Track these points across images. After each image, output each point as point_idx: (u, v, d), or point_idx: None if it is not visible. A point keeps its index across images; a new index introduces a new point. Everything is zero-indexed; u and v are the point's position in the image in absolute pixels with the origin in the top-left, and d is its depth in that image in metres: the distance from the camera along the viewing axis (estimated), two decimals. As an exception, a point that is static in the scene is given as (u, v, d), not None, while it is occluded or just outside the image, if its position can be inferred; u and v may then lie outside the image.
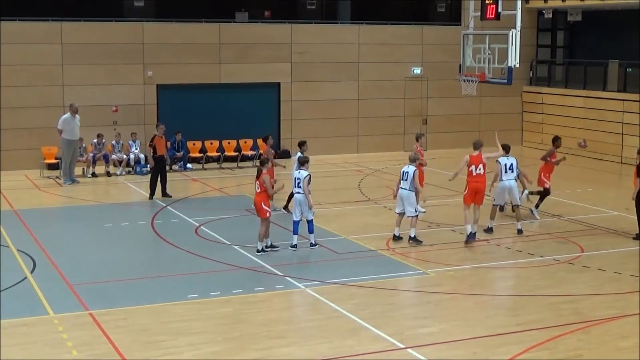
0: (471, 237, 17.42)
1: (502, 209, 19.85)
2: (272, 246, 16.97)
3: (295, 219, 17.18)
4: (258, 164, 17.10)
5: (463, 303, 13.88)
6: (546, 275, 15.54)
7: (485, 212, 18.57)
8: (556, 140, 20.71)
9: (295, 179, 17.24)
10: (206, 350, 11.65)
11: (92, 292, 14.25)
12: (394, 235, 17.71)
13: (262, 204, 16.61)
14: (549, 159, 20.35)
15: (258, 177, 16.65)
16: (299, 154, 18.69)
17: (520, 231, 18.55)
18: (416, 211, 17.56)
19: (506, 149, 18.91)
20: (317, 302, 13.87)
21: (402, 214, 17.62)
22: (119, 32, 28.25)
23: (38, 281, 14.76)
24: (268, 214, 16.72)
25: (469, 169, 17.73)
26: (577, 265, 16.18)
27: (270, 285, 14.75)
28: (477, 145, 17.95)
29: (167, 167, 26.83)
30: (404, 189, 17.39)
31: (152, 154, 22.58)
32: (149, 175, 23.01)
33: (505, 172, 18.63)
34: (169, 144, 27.40)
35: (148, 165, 26.65)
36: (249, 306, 13.59)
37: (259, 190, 16.67)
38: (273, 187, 17.10)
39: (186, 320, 12.88)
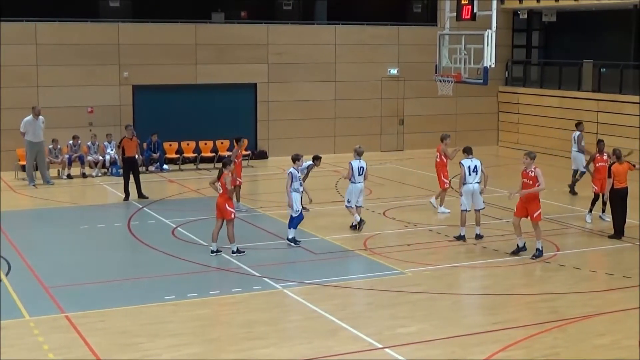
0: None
1: None
2: (238, 251, 16.74)
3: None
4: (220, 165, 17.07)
5: (441, 303, 13.93)
6: (523, 274, 15.64)
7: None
8: (599, 144, 20.26)
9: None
10: (185, 352, 11.62)
11: (68, 294, 14.17)
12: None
13: (226, 205, 16.58)
14: (592, 164, 20.04)
15: (219, 177, 16.62)
16: (309, 162, 19.54)
17: (478, 236, 17.97)
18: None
19: (468, 152, 18.14)
20: (296, 302, 13.87)
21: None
22: (95, 33, 28.11)
23: (13, 284, 14.64)
24: (232, 215, 16.67)
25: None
26: (553, 264, 16.29)
27: (248, 286, 14.73)
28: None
29: (144, 169, 26.95)
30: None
31: (121, 155, 22.63)
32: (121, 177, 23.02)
33: (469, 174, 17.84)
34: (145, 144, 27.37)
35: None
36: (227, 307, 13.57)
37: (220, 192, 16.64)
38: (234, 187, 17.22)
39: (164, 322, 12.83)
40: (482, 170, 18.02)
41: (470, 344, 11.93)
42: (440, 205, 20.71)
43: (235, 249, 16.70)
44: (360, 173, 18.55)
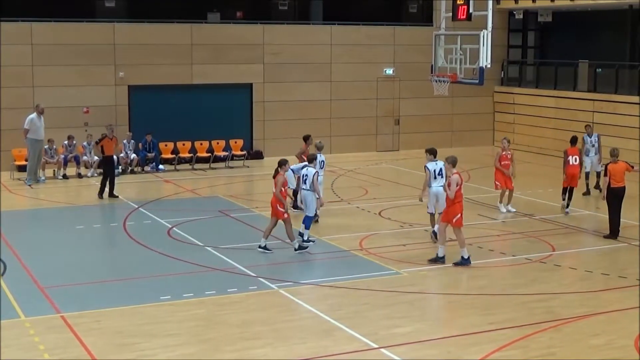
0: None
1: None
2: (300, 247, 16.82)
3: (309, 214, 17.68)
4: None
5: (436, 303, 13.95)
6: (518, 274, 15.65)
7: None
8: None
9: (302, 175, 17.79)
10: (180, 352, 11.61)
11: (64, 294, 14.15)
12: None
13: (277, 205, 16.62)
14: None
15: (274, 177, 16.68)
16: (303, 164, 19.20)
17: (435, 234, 17.66)
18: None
19: (434, 154, 17.76)
20: (291, 302, 13.87)
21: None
22: (90, 33, 28.08)
23: (9, 284, 14.61)
24: (285, 215, 16.65)
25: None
26: (548, 264, 16.30)
27: (244, 286, 14.72)
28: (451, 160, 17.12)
29: (140, 169, 26.96)
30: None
31: (100, 154, 22.90)
32: (120, 177, 22.99)
33: (435, 178, 17.47)
34: (140, 145, 27.36)
35: (119, 167, 26.60)
36: (222, 307, 13.56)
37: (274, 190, 16.72)
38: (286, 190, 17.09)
39: (160, 322, 12.82)
40: (445, 174, 17.42)
41: (466, 344, 11.93)
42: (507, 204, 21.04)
43: (297, 247, 16.74)
44: (322, 167, 19.09)
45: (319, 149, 19.54)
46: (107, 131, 23.08)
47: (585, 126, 24.39)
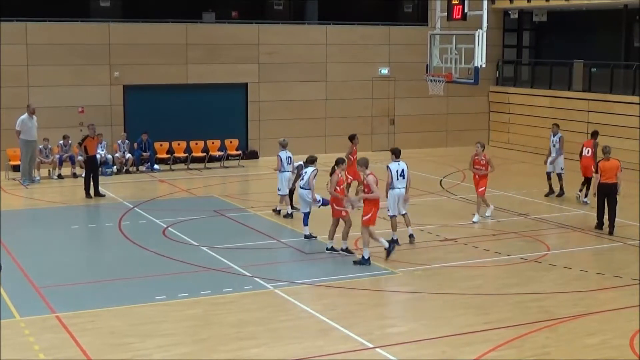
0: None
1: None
2: (347, 250, 16.72)
3: (305, 211, 17.98)
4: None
5: (431, 302, 13.95)
6: (513, 274, 15.66)
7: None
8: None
9: (302, 174, 18.31)
10: (175, 352, 11.61)
11: (59, 294, 14.14)
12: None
13: (335, 204, 16.60)
14: None
15: (331, 175, 16.70)
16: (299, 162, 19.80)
17: (412, 236, 17.67)
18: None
19: (396, 154, 17.55)
20: (287, 302, 13.87)
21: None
22: (85, 33, 28.04)
23: (4, 284, 14.56)
24: (344, 213, 16.61)
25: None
26: (543, 263, 16.32)
27: (239, 286, 14.71)
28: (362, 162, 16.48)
29: (134, 168, 26.94)
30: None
31: (84, 153, 22.92)
32: (115, 176, 22.95)
33: (397, 179, 17.25)
34: (135, 144, 27.34)
35: (114, 167, 26.58)
36: (218, 307, 13.55)
37: (329, 189, 16.78)
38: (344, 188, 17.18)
39: (155, 322, 12.82)
40: (408, 175, 17.45)
41: (461, 343, 11.94)
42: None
43: (344, 247, 16.67)
44: (289, 162, 20.06)
45: (283, 145, 20.28)
46: (90, 131, 23.15)
47: (552, 124, 23.54)
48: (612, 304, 13.79)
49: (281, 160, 20.17)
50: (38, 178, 25.13)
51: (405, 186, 17.36)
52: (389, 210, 17.40)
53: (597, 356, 11.53)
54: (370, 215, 15.80)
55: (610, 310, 13.46)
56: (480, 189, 19.72)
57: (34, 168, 25.13)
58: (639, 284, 14.73)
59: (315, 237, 17.80)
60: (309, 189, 17.84)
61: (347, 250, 16.67)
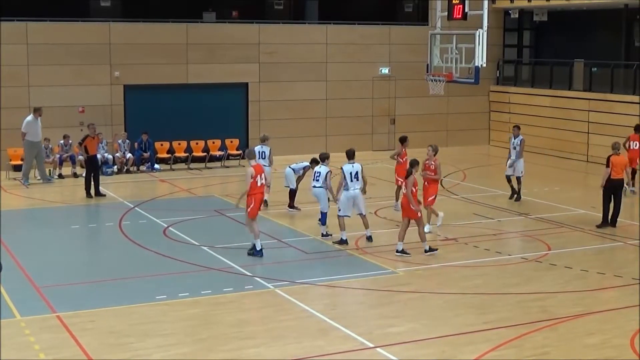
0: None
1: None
2: (403, 252, 16.62)
3: (324, 210, 18.22)
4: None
5: (432, 302, 13.95)
6: (514, 274, 15.66)
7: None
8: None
9: (315, 173, 18.36)
10: (175, 351, 11.61)
11: (59, 294, 14.14)
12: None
13: (410, 206, 16.49)
14: None
15: (406, 177, 16.65)
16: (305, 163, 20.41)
17: (369, 238, 17.67)
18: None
19: (350, 156, 17.53)
20: (287, 302, 13.87)
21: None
22: (86, 33, 28.05)
23: (4, 284, 14.56)
24: (419, 214, 16.52)
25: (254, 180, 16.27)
26: (544, 263, 16.32)
27: (239, 285, 14.72)
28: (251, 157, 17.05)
29: (135, 168, 26.96)
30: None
31: (84, 153, 22.93)
32: (115, 176, 22.97)
33: (351, 180, 17.25)
34: (136, 144, 27.35)
35: (115, 167, 26.58)
36: (218, 307, 13.55)
37: (404, 191, 16.77)
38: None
39: (155, 321, 12.82)
40: (362, 176, 17.46)
41: (461, 343, 11.94)
42: None
43: (427, 248, 16.63)
44: (262, 157, 20.44)
45: (263, 140, 20.97)
46: (90, 130, 23.15)
47: (513, 127, 23.16)
48: (613, 304, 13.80)
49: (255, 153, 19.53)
50: (54, 177, 25.21)
51: (359, 187, 17.40)
52: (339, 210, 17.52)
53: (597, 356, 11.53)
54: (253, 206, 16.19)
55: (610, 309, 13.46)
56: (429, 199, 18.47)
57: (50, 168, 25.36)
58: (639, 284, 14.74)
59: (331, 235, 17.91)
60: (326, 188, 18.01)
61: (430, 249, 16.67)
